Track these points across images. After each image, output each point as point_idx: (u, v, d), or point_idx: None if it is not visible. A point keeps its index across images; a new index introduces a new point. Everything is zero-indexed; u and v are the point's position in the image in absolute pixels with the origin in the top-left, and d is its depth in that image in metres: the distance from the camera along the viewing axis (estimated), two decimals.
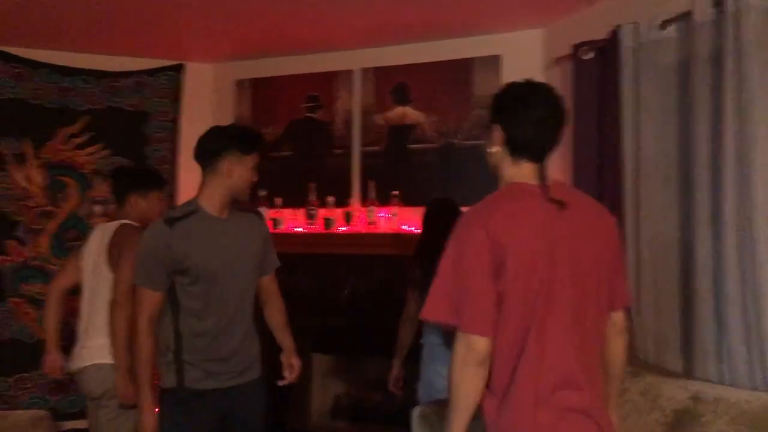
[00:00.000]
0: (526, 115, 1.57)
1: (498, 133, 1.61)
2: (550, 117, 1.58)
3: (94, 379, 2.59)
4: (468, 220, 1.54)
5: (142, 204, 2.73)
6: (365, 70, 3.96)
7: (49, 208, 3.99)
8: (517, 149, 1.59)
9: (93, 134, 4.07)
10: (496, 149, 1.62)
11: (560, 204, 1.53)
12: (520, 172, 1.59)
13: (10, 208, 3.90)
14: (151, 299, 2.14)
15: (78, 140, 4.05)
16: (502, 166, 1.62)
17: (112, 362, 2.52)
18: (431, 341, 2.81)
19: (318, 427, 4.13)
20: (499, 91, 1.65)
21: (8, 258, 3.88)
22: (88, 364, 2.61)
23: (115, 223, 2.71)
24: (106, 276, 2.60)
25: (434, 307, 1.53)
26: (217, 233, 2.17)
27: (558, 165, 2.88)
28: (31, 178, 3.96)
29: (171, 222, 2.12)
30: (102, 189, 4.05)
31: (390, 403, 3.60)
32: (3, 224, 3.89)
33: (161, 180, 2.91)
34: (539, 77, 1.99)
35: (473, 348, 1.47)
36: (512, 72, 3.58)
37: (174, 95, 4.27)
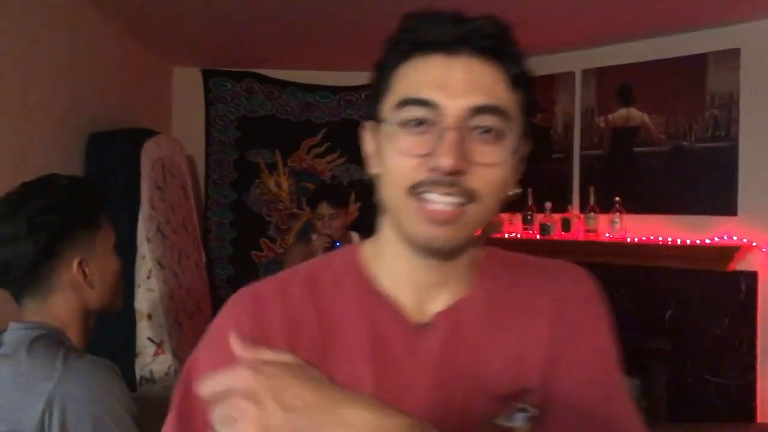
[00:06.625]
0: None
1: None
2: None
3: None
4: None
5: None
6: (586, 72, 3.82)
7: (294, 210, 4.52)
8: None
9: (329, 144, 4.51)
10: None
11: None
12: None
13: (264, 210, 4.50)
14: None
15: (318, 150, 4.52)
16: None
17: None
18: None
19: None
20: None
21: (263, 254, 4.48)
22: None
23: None
24: None
25: None
26: None
27: None
28: (280, 184, 4.52)
29: None
30: None
31: None
32: (260, 225, 4.50)
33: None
34: None
35: None
36: (753, 66, 3.21)
37: None
